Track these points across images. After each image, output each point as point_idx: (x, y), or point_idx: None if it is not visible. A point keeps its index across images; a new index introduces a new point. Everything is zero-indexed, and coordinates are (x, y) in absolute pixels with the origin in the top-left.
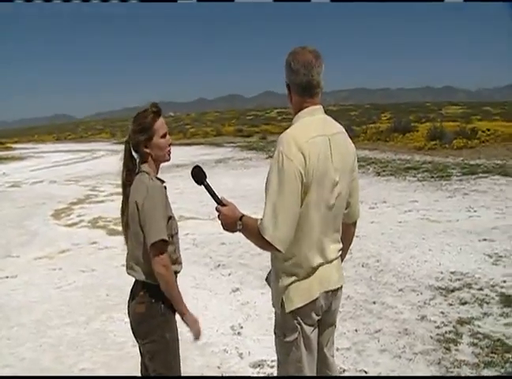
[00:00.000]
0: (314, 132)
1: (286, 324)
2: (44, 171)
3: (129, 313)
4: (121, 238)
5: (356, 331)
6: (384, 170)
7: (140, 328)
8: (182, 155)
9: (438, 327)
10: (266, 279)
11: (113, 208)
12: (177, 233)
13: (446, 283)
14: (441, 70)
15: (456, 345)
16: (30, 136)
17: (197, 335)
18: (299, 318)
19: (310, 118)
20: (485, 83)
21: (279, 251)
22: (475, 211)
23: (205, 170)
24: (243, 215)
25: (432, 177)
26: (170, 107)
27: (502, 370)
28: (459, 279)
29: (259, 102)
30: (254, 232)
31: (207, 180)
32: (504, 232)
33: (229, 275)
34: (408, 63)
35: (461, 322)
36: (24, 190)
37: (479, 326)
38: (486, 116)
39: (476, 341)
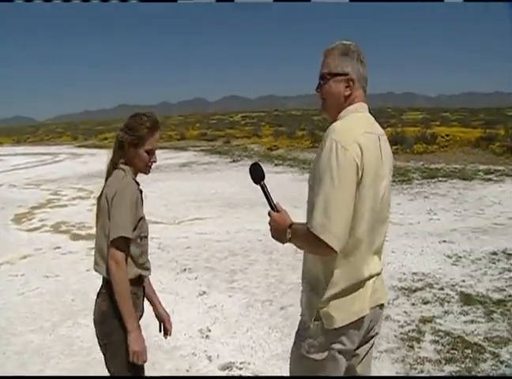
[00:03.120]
0: (366, 128)
1: (317, 340)
2: (3, 175)
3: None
4: (85, 243)
5: None
6: None
7: (101, 327)
8: None
9: (401, 326)
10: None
11: (76, 213)
12: (147, 236)
13: (408, 284)
14: (402, 76)
15: (419, 343)
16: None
17: (136, 358)
18: (336, 338)
19: (360, 114)
20: (444, 89)
21: (335, 252)
22: (435, 213)
23: (168, 174)
24: (293, 223)
25: (394, 181)
26: (133, 110)
27: (463, 365)
28: (421, 280)
29: (223, 106)
30: (304, 237)
31: (264, 181)
32: (463, 234)
33: (196, 278)
34: (370, 69)
35: (424, 321)
36: None
37: (440, 324)
38: (445, 122)
39: (437, 339)
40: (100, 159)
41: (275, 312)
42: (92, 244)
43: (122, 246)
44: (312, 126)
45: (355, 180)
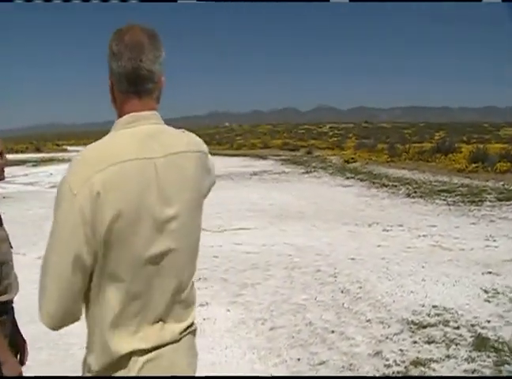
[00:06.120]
0: (127, 153)
1: None
2: None
3: None
4: None
5: (299, 360)
6: (415, 192)
7: None
8: (222, 165)
9: (388, 365)
10: None
11: None
12: (5, 263)
13: (421, 318)
14: (505, 88)
15: None
16: (86, 140)
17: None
18: None
19: (127, 132)
20: None
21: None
22: (494, 240)
23: (236, 182)
24: None
25: (463, 201)
26: (225, 118)
27: None
28: (438, 315)
29: (314, 116)
30: None
31: None
32: None
33: (206, 288)
34: (470, 82)
35: (416, 363)
36: None
37: (434, 369)
38: None
39: None
40: None
41: (262, 332)
42: None
43: None
44: (398, 139)
45: (84, 235)
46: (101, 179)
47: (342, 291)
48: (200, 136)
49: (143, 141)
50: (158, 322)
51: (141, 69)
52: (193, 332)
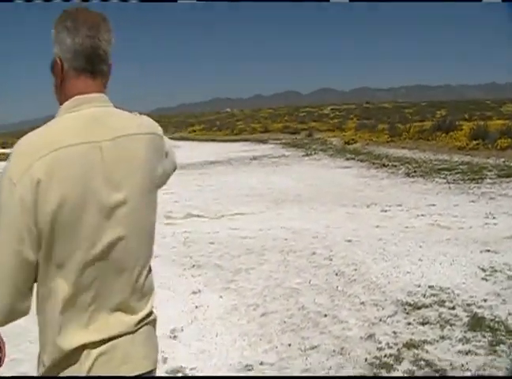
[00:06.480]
0: (70, 137)
1: None
2: None
3: None
4: None
5: (290, 345)
6: (415, 171)
7: None
8: (222, 151)
9: (380, 348)
10: None
11: None
12: None
13: (416, 299)
14: (505, 65)
15: (389, 371)
16: None
17: None
18: None
19: (71, 116)
20: None
21: None
22: (494, 217)
23: (235, 167)
24: None
25: (463, 179)
26: (226, 104)
27: None
28: (434, 295)
29: (316, 98)
30: None
31: None
32: None
33: (199, 276)
34: (470, 59)
35: (409, 345)
36: None
37: (427, 351)
38: None
39: (414, 368)
40: (179, 150)
41: (254, 318)
42: None
43: None
44: (399, 119)
45: (26, 227)
46: (42, 166)
47: (337, 274)
48: (201, 123)
49: (88, 125)
50: (111, 313)
51: (99, 48)
52: (152, 323)
